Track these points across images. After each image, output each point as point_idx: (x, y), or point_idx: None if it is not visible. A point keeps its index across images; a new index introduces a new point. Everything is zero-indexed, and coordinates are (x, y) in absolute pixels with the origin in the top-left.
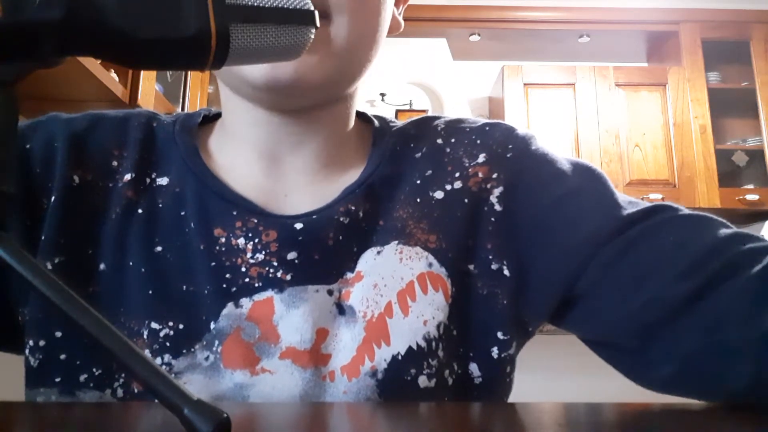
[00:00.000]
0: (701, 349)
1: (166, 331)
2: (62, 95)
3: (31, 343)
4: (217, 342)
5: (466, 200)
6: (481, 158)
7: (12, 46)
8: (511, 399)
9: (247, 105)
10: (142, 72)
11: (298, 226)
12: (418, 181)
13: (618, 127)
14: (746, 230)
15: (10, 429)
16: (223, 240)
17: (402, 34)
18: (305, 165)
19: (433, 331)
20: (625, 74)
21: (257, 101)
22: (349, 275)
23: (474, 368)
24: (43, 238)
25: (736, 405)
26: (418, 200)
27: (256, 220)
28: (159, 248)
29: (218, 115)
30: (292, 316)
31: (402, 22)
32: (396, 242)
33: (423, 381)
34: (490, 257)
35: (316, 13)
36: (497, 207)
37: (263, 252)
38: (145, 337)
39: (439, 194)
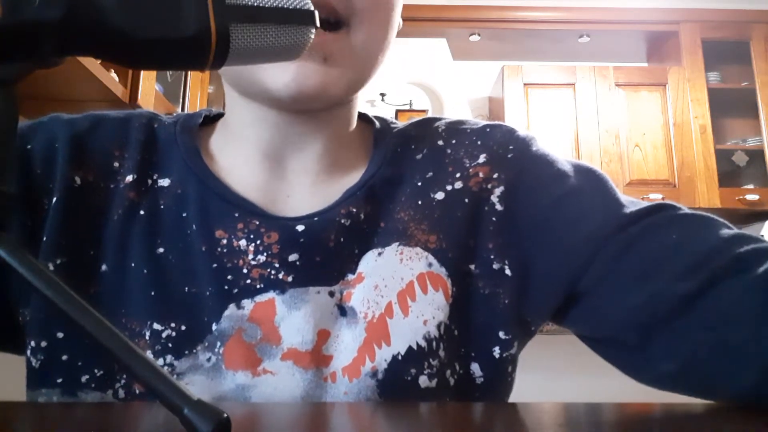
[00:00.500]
0: (704, 348)
1: (168, 332)
2: (62, 95)
3: (32, 343)
4: (218, 343)
5: (466, 200)
6: (482, 159)
7: (12, 46)
8: (511, 399)
9: (256, 107)
10: (142, 72)
11: (300, 228)
12: (419, 183)
13: (618, 127)
14: (746, 230)
15: (10, 429)
16: (224, 241)
17: (402, 34)
18: (308, 166)
19: (433, 331)
20: (625, 74)
21: (271, 105)
22: (351, 277)
23: (476, 368)
24: (44, 239)
25: (737, 405)
26: (419, 202)
27: (257, 222)
28: (161, 249)
29: (219, 116)
30: (293, 317)
31: (401, 22)
32: (397, 243)
33: (424, 381)
34: (491, 257)
35: (316, 13)
36: (498, 207)
37: (265, 254)
38: (147, 338)
39: (439, 195)
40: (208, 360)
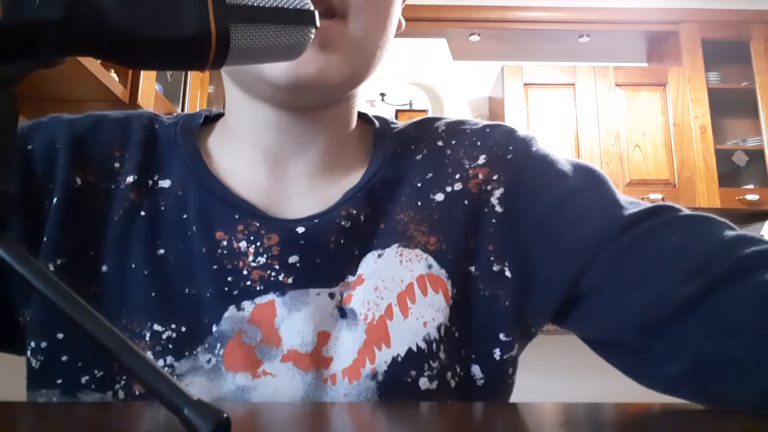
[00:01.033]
0: (705, 358)
1: (168, 333)
2: (62, 95)
3: (32, 344)
4: (218, 345)
5: (466, 202)
6: (482, 160)
7: (12, 46)
8: (511, 399)
9: (255, 104)
10: (142, 72)
11: (300, 230)
12: (419, 184)
13: (618, 127)
14: (746, 230)
15: (10, 429)
16: (224, 243)
17: (402, 34)
18: (308, 167)
19: (433, 333)
20: (625, 74)
21: (271, 100)
22: (351, 278)
23: (476, 370)
24: (45, 239)
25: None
26: (419, 203)
27: (257, 224)
28: (161, 251)
29: (219, 116)
30: (293, 319)
31: (403, 22)
32: (397, 245)
33: (424, 383)
34: (492, 258)
35: (316, 13)
36: (498, 208)
37: (265, 255)
38: (147, 339)
39: (439, 196)
40: (208, 361)
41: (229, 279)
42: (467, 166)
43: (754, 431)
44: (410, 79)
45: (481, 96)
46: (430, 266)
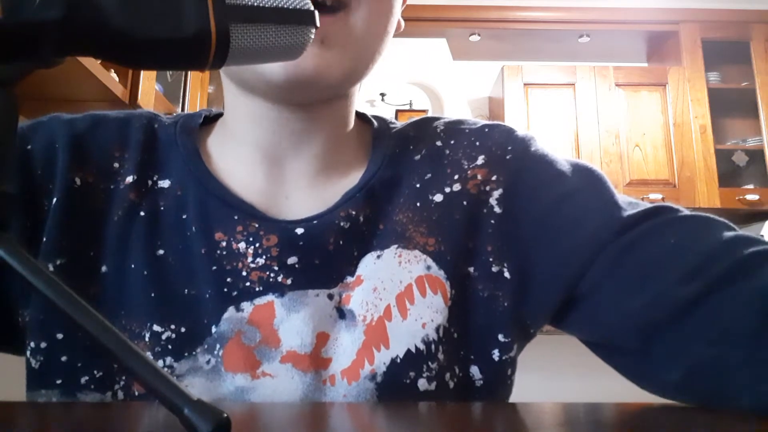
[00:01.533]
0: (704, 363)
1: (168, 334)
2: (62, 95)
3: (32, 344)
4: (218, 345)
5: (465, 203)
6: (480, 160)
7: (12, 46)
8: (511, 399)
9: (253, 102)
10: (142, 72)
11: (299, 231)
12: (418, 185)
13: (618, 127)
14: (746, 230)
15: (10, 429)
16: (224, 244)
17: (402, 34)
18: (306, 167)
19: (432, 334)
20: (625, 74)
21: (269, 96)
22: (350, 279)
23: (475, 371)
24: (44, 239)
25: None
26: (418, 204)
27: (257, 225)
28: (161, 251)
29: (219, 116)
30: (292, 320)
31: (402, 22)
32: (396, 246)
33: (423, 384)
34: (490, 259)
35: (316, 13)
36: (497, 209)
37: (264, 256)
38: (146, 339)
39: (438, 197)
40: (208, 362)
41: (229, 280)
42: (466, 167)
43: (754, 431)
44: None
45: (481, 96)
46: (428, 267)
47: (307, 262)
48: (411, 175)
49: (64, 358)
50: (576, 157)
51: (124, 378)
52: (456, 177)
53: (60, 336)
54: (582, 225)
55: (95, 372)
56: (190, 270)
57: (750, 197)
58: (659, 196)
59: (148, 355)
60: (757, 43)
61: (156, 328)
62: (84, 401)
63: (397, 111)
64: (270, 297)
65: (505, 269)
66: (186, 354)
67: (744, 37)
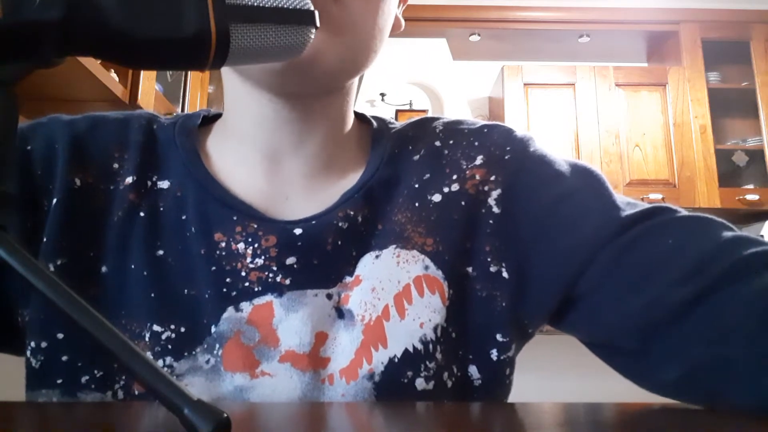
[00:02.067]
0: (704, 362)
1: (167, 333)
2: (62, 95)
3: (32, 344)
4: (217, 345)
5: (463, 203)
6: (479, 160)
7: (12, 46)
8: (511, 399)
9: (253, 99)
10: (142, 72)
11: (298, 231)
12: (417, 185)
13: (618, 127)
14: (746, 230)
15: (10, 429)
16: (223, 245)
17: (402, 34)
18: (305, 167)
19: (429, 334)
20: (625, 74)
21: (267, 85)
22: (348, 279)
23: (473, 371)
24: (44, 240)
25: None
26: (416, 204)
27: (255, 225)
28: (161, 252)
29: (218, 116)
30: (291, 319)
31: (402, 21)
32: (394, 246)
33: (420, 384)
34: (489, 260)
35: (317, 13)
36: (495, 209)
37: (263, 257)
38: (146, 339)
39: (436, 197)
40: (207, 362)
41: (228, 280)
42: (464, 167)
43: (754, 431)
44: (410, 79)
45: (481, 96)
46: (426, 267)
47: (305, 263)
48: (410, 175)
49: (64, 358)
50: (576, 157)
51: (124, 378)
52: (455, 177)
53: (60, 336)
54: (581, 225)
55: (96, 372)
56: (189, 270)
57: (750, 197)
58: (659, 196)
59: (148, 355)
60: (757, 43)
61: (156, 328)
62: (84, 401)
63: (397, 111)
64: (269, 297)
65: (504, 269)
66: (186, 354)
67: (744, 37)
